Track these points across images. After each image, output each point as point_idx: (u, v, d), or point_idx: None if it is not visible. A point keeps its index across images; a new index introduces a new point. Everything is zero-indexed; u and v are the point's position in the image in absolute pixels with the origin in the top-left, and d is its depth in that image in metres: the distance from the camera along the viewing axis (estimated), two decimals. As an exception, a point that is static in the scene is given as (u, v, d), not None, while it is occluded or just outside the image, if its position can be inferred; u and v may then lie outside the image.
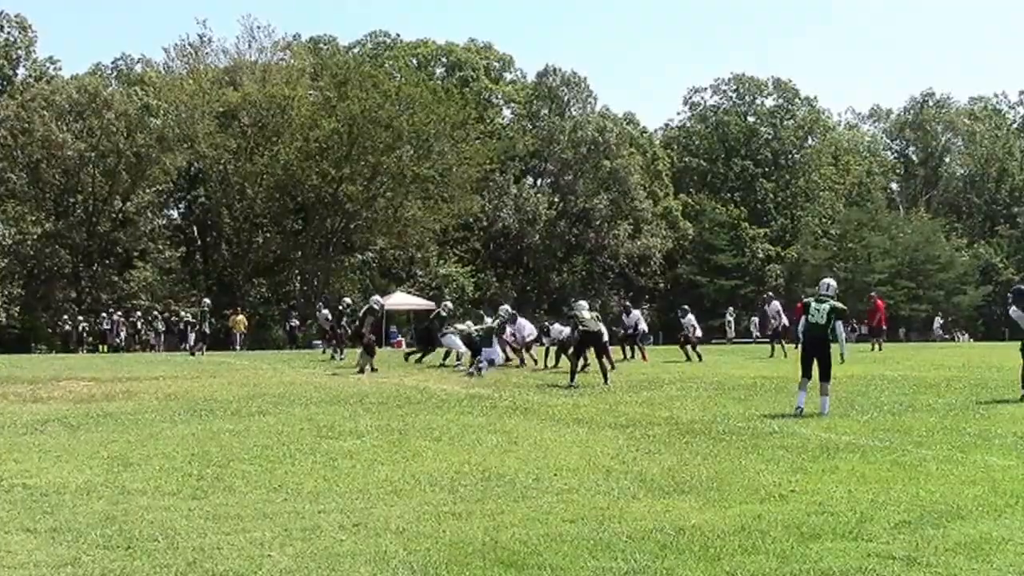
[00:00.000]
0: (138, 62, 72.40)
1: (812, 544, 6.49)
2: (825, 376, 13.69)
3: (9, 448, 10.77)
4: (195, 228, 67.72)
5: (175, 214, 69.60)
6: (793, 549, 6.37)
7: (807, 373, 13.69)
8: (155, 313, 50.36)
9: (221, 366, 26.22)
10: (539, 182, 77.71)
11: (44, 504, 7.74)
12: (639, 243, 73.34)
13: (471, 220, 66.64)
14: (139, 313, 49.21)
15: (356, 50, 77.30)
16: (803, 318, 14.19)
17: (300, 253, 61.55)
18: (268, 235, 62.05)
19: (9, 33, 68.80)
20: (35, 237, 60.15)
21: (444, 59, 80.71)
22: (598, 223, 72.95)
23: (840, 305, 14.24)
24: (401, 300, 52.58)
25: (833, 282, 14.90)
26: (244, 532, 6.80)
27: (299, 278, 62.61)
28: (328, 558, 6.17)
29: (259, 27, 67.00)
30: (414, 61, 77.36)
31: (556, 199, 73.99)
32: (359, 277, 64.95)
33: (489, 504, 7.75)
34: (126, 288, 60.28)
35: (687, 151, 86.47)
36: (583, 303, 23.55)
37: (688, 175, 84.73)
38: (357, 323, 26.69)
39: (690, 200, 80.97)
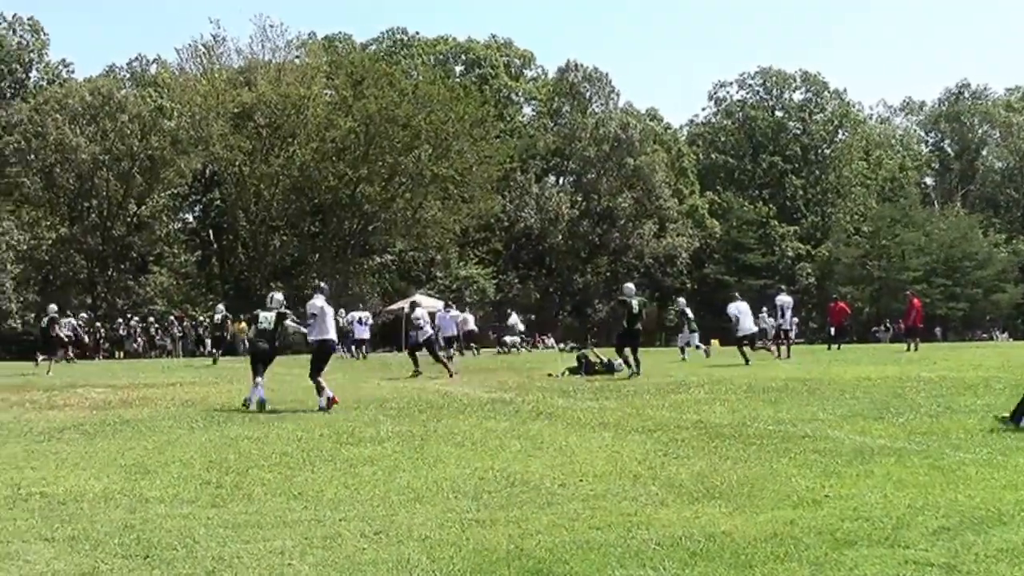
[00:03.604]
0: (152, 63, 73.03)
1: (847, 551, 6.28)
2: None
3: (26, 456, 10.72)
4: (211, 231, 67.94)
5: (190, 217, 70.01)
6: (827, 556, 6.16)
7: None
8: (171, 318, 50.44)
9: (239, 372, 26.18)
10: (561, 181, 77.64)
11: (62, 512, 7.66)
12: (665, 242, 73.10)
13: (492, 220, 66.60)
14: (152, 319, 49.29)
15: (372, 48, 77.26)
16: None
17: (318, 256, 61.63)
18: (285, 238, 62.12)
19: (21, 36, 69.44)
20: (50, 242, 60.55)
21: (463, 56, 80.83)
22: (622, 222, 72.76)
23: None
24: (422, 302, 52.35)
25: None
26: (264, 541, 6.68)
27: (317, 281, 62.65)
28: (350, 566, 6.05)
29: (272, 26, 67.20)
30: (432, 59, 77.29)
31: (579, 198, 73.84)
32: (378, 280, 65.02)
33: (514, 511, 7.58)
34: (142, 293, 60.58)
35: (713, 147, 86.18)
36: (630, 286, 23.54)
37: (714, 172, 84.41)
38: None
39: (717, 198, 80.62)
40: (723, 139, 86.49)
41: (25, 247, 59.38)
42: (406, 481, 8.92)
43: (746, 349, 26.57)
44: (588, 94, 77.11)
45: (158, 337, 48.58)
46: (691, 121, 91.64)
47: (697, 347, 32.26)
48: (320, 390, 15.70)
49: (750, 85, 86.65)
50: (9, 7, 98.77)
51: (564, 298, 72.85)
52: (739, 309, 27.57)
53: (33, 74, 70.34)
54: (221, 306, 38.47)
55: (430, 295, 55.89)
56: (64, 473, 9.55)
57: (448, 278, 65.91)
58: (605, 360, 23.60)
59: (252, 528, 7.06)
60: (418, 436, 12.05)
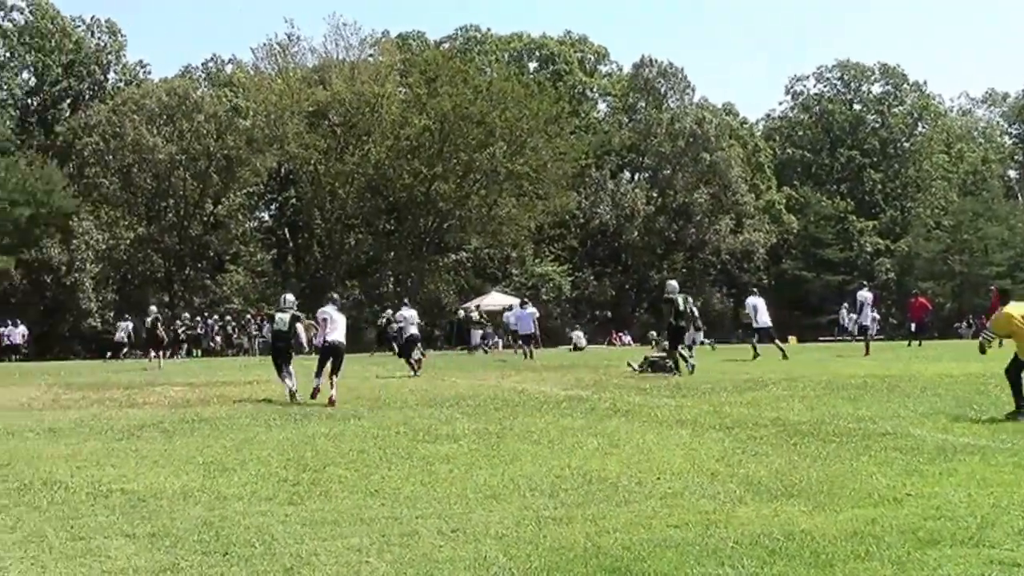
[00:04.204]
0: (227, 63, 73.63)
1: (930, 550, 6.18)
2: None
3: (107, 453, 10.89)
4: (286, 230, 68.53)
5: (266, 216, 70.65)
6: (909, 555, 6.07)
7: None
8: (248, 317, 51.03)
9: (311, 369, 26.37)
10: (636, 177, 77.19)
11: (142, 509, 7.77)
12: (741, 238, 72.35)
13: (567, 217, 66.36)
14: (230, 316, 49.93)
15: (446, 46, 77.41)
16: None
17: (393, 254, 61.91)
18: (360, 236, 62.51)
19: (99, 38, 70.58)
20: (128, 242, 61.54)
21: (537, 53, 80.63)
22: (698, 218, 72.17)
23: None
24: (497, 300, 52.46)
25: None
26: (341, 538, 6.73)
27: (392, 279, 62.97)
28: (427, 564, 6.06)
29: (346, 25, 67.55)
30: (506, 56, 77.28)
31: (654, 194, 73.33)
32: (453, 278, 65.14)
33: (591, 509, 7.57)
34: (218, 292, 61.25)
35: (790, 142, 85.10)
36: (674, 283, 23.53)
37: (791, 167, 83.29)
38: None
39: (794, 193, 79.50)
40: (800, 133, 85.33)
41: (104, 247, 60.43)
42: (483, 479, 8.94)
43: (759, 344, 27.60)
44: (663, 89, 76.54)
45: (235, 335, 49.02)
46: (767, 115, 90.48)
47: (702, 343, 34.17)
48: (317, 390, 17.26)
49: (828, 78, 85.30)
50: (88, 10, 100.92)
51: (640, 295, 72.39)
52: (756, 303, 28.53)
53: (111, 75, 71.33)
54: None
55: (505, 292, 55.97)
56: (144, 470, 9.71)
57: (523, 275, 65.84)
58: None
59: (329, 525, 7.12)
60: (494, 433, 12.07)
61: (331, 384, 16.93)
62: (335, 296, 19.73)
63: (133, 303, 51.80)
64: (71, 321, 59.52)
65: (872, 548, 6.24)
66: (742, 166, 74.41)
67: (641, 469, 9.33)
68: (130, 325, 41.03)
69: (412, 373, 23.98)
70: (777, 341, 28.85)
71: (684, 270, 71.78)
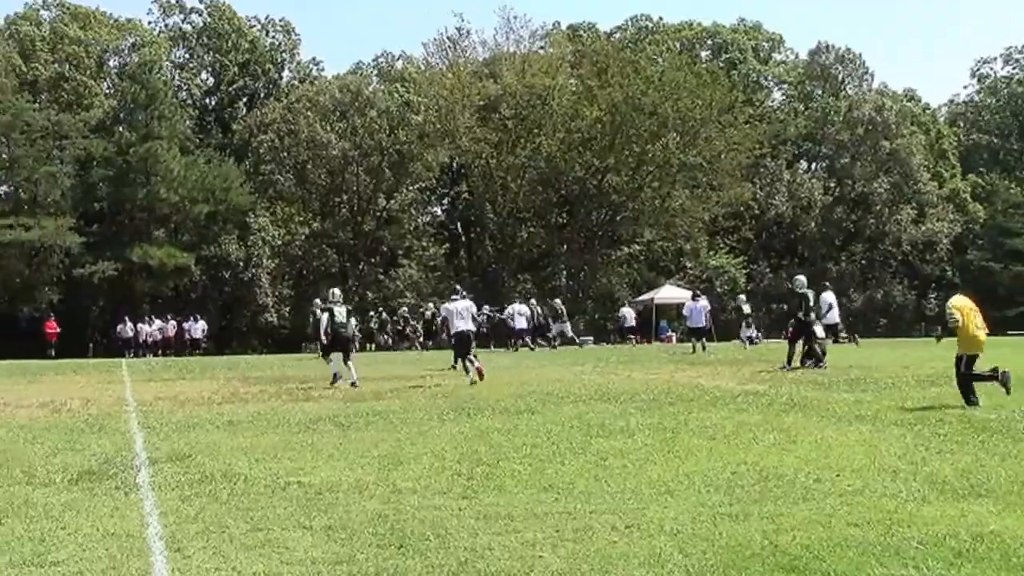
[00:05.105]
0: (398, 59, 74.57)
1: None
2: None
3: (284, 447, 11.15)
4: (458, 224, 69.43)
5: (438, 210, 71.47)
6: (1110, 561, 5.80)
7: None
8: (421, 311, 51.83)
9: (485, 365, 26.62)
10: (813, 166, 75.67)
11: (318, 502, 7.96)
12: (923, 228, 70.02)
13: (742, 208, 65.38)
14: (405, 311, 51.05)
15: (617, 36, 77.08)
16: None
17: (565, 247, 62.06)
18: (532, 229, 62.80)
19: (274, 37, 72.81)
20: (303, 237, 63.30)
21: (709, 41, 79.63)
22: (878, 208, 70.12)
23: None
24: (670, 294, 52.03)
25: None
26: (515, 532, 6.79)
27: (565, 273, 63.14)
28: (601, 560, 6.08)
29: (516, 17, 67.89)
30: (678, 45, 76.48)
31: (832, 184, 71.67)
32: (626, 271, 64.88)
33: (767, 506, 7.48)
34: (392, 286, 62.32)
35: (975, 127, 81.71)
36: (802, 278, 23.23)
37: (977, 153, 80.00)
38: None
39: (980, 180, 76.31)
40: (987, 118, 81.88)
41: (279, 242, 62.44)
42: (657, 474, 8.92)
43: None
44: (840, 76, 74.80)
45: (408, 330, 49.65)
46: (951, 100, 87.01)
47: (752, 340, 35.72)
48: (468, 367, 19.91)
49: (1017, 60, 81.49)
50: (262, 10, 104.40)
51: (818, 287, 70.69)
52: (831, 299, 26.73)
53: (285, 74, 73.46)
54: (431, 304, 39.92)
55: (679, 285, 55.44)
56: (319, 463, 9.94)
57: (698, 268, 65.10)
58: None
59: (503, 520, 7.19)
60: (669, 429, 11.99)
61: (473, 363, 19.63)
62: (459, 288, 23.08)
63: (309, 299, 53.54)
64: (248, 316, 61.63)
65: (1068, 552, 5.99)
66: (924, 153, 72.13)
67: (819, 466, 9.16)
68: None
69: (468, 377, 20.03)
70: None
71: (863, 262, 69.96)
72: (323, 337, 21.37)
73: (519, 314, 38.48)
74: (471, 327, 21.18)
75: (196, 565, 6.15)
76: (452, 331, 21.14)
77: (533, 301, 41.52)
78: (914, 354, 26.47)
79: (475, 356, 20.45)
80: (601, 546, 6.41)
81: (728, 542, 6.42)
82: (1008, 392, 13.68)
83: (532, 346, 37.55)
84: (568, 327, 41.39)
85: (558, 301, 42.64)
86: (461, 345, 20.93)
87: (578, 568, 5.93)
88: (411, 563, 6.09)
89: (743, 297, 41.22)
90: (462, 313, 20.98)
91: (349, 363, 20.00)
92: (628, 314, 46.32)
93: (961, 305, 14.03)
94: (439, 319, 24.44)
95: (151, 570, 6.05)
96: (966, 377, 13.75)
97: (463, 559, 6.14)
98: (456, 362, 22.70)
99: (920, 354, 25.72)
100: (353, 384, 19.20)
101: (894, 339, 46.20)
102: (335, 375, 20.25)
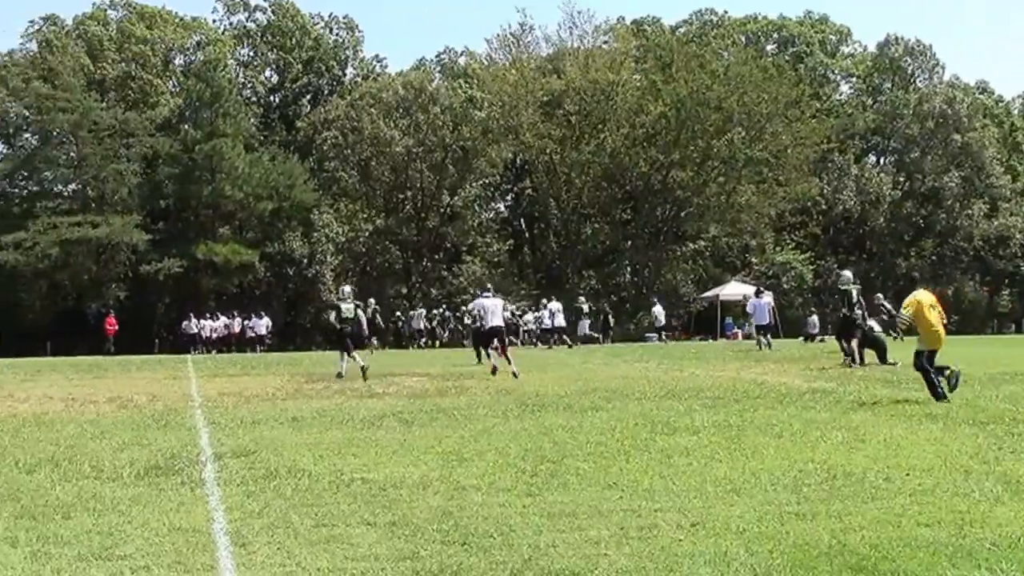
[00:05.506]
0: (461, 55, 74.65)
1: None
2: None
3: (348, 443, 11.18)
4: (522, 220, 69.30)
5: (502, 207, 71.41)
6: None
7: None
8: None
9: (549, 360, 26.62)
10: (882, 161, 74.61)
11: (382, 498, 7.98)
12: (996, 223, 68.83)
13: (809, 204, 64.70)
14: (465, 308, 51.10)
15: (681, 30, 76.57)
16: None
17: (630, 243, 61.82)
18: (596, 226, 62.63)
19: (337, 34, 73.36)
20: (367, 234, 63.56)
21: (775, 35, 78.93)
22: (949, 203, 68.99)
23: None
24: (736, 290, 51.60)
25: None
26: (579, 530, 6.75)
27: (629, 269, 62.87)
28: (666, 558, 6.02)
29: (579, 12, 67.70)
30: (743, 38, 75.83)
31: (901, 178, 70.54)
32: (691, 267, 64.48)
33: (835, 505, 7.37)
34: (455, 283, 62.40)
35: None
36: (847, 274, 23.16)
37: (1054, 146, 78.45)
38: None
39: (1057, 173, 74.93)
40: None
41: (343, 239, 62.82)
42: (723, 472, 8.83)
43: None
44: (910, 68, 73.74)
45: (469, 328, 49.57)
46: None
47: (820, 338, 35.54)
48: (491, 355, 21.57)
49: (1093, 50, 79.96)
50: (326, 7, 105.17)
51: (886, 283, 69.67)
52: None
53: (349, 71, 73.88)
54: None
55: (745, 281, 54.99)
56: (383, 460, 9.95)
57: (764, 264, 64.55)
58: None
59: (567, 517, 7.14)
60: (735, 426, 11.89)
61: (508, 360, 20.60)
62: (489, 286, 24.84)
63: (372, 295, 54.05)
64: (312, 312, 62.01)
65: None
66: (997, 147, 70.94)
67: (889, 464, 9.01)
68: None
69: (492, 369, 21.06)
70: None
71: (934, 257, 68.91)
72: (364, 329, 24.13)
73: (556, 312, 39.08)
74: (500, 323, 22.52)
75: (261, 560, 6.18)
76: (486, 326, 22.26)
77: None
78: (986, 351, 25.99)
79: (508, 356, 21.41)
80: (666, 544, 6.36)
81: (795, 541, 6.34)
82: (952, 390, 13.69)
83: (570, 343, 37.99)
84: (587, 325, 42.25)
85: (582, 299, 43.25)
86: (488, 338, 22.65)
87: (643, 566, 5.88)
88: (474, 560, 6.07)
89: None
90: (494, 310, 22.27)
91: (349, 355, 21.48)
92: (659, 313, 45.88)
93: (921, 301, 13.93)
94: (474, 312, 24.60)
95: (217, 565, 6.09)
96: (927, 372, 13.75)
97: (527, 556, 6.11)
98: (479, 358, 24.90)
99: (993, 351, 25.27)
100: (339, 375, 20.90)
101: (966, 336, 45.38)
102: (362, 369, 20.87)
